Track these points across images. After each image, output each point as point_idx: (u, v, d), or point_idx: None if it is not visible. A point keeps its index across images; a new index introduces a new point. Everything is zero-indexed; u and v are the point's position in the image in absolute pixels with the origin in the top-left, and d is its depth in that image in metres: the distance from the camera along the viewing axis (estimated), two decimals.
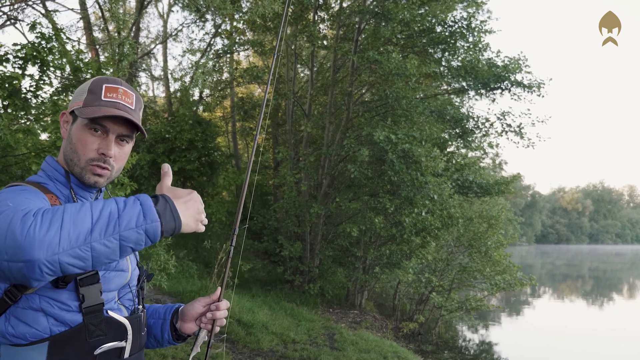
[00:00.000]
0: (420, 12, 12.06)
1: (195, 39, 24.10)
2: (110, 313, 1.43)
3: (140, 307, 1.58)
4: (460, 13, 12.87)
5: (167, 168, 1.40)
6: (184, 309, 1.73)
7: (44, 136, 6.11)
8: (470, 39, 12.35)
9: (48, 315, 1.34)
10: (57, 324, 1.34)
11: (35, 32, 5.89)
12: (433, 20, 12.20)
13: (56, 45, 5.92)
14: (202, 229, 1.29)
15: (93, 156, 1.46)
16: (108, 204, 1.15)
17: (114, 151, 1.48)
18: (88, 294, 1.37)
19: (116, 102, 1.48)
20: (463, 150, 15.16)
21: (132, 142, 1.56)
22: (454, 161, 13.79)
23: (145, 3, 16.07)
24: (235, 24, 16.03)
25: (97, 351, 1.38)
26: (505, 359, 12.06)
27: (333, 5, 13.81)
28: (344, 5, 13.69)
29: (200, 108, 17.74)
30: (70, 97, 1.49)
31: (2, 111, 5.65)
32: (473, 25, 12.15)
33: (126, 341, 1.45)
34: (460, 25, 12.15)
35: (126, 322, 1.46)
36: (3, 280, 1.23)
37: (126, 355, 1.45)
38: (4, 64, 5.65)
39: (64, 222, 1.09)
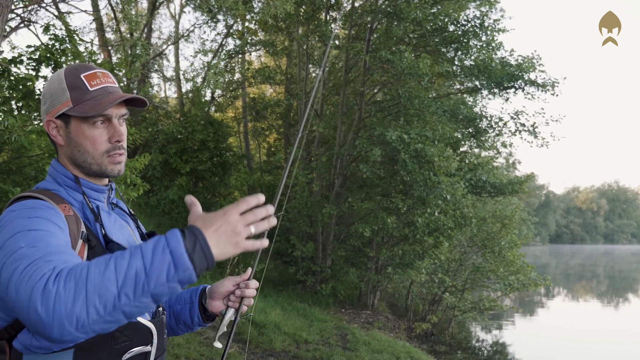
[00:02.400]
0: (432, 11, 12.00)
1: (207, 40, 24.26)
2: (137, 318, 1.38)
3: (161, 309, 1.54)
4: (473, 12, 12.81)
5: (190, 200, 1.22)
6: (212, 288, 1.68)
7: None
8: (483, 38, 12.27)
9: None
10: None
11: (48, 34, 5.94)
12: (446, 20, 12.14)
13: (69, 47, 5.95)
14: (245, 248, 1.12)
15: (107, 148, 1.42)
16: (134, 260, 1.03)
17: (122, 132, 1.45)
18: None
19: (105, 86, 1.42)
20: (476, 150, 15.07)
21: None
22: (467, 161, 13.73)
23: (157, 4, 16.16)
24: (247, 24, 16.08)
25: (125, 356, 1.33)
26: None
27: (345, 4, 13.78)
28: (356, 4, 13.65)
29: (212, 108, 17.81)
30: None
31: (16, 112, 5.69)
32: (486, 24, 12.08)
33: (152, 345, 1.40)
34: (473, 24, 12.08)
35: (152, 325, 1.41)
36: None
37: (151, 359, 1.41)
38: (18, 65, 5.70)
39: (88, 292, 1.00)
